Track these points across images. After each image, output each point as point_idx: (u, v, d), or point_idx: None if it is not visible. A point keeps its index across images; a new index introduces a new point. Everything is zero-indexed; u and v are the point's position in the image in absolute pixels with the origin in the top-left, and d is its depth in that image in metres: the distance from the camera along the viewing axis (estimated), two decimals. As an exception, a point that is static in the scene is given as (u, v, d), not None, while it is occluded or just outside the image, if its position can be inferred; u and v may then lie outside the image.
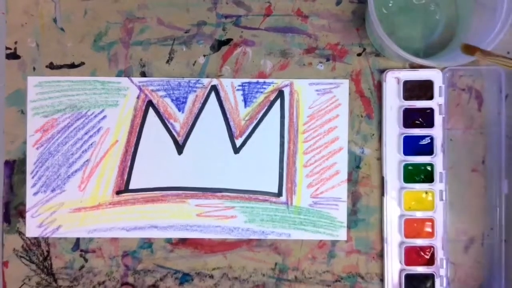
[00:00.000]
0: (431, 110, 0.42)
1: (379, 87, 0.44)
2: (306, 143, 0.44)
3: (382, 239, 0.43)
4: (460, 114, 0.43)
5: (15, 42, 0.44)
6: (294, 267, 0.43)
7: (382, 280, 0.43)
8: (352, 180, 0.44)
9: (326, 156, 0.43)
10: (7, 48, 0.44)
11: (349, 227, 0.43)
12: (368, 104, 0.44)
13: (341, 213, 0.43)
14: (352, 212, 0.43)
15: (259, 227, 0.43)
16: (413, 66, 0.43)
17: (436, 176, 0.42)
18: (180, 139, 0.44)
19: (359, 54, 0.44)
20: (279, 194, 0.43)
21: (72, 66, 0.44)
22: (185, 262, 0.44)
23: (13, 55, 0.44)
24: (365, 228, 0.43)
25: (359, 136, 0.44)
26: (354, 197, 0.43)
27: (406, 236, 0.42)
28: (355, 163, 0.44)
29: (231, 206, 0.44)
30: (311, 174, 0.43)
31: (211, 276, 0.44)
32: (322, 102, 0.44)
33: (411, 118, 0.42)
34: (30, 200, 0.43)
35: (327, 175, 0.43)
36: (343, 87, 0.44)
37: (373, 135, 0.44)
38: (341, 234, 0.43)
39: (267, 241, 0.44)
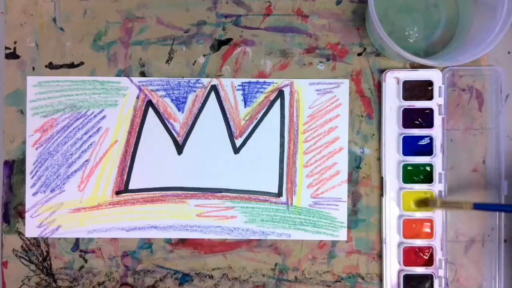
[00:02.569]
0: (431, 110, 0.42)
1: (379, 87, 0.43)
2: (306, 143, 0.43)
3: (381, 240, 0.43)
4: (460, 114, 0.43)
5: (15, 42, 0.44)
6: (294, 267, 0.43)
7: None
8: (353, 180, 0.43)
9: (326, 156, 0.43)
10: (6, 48, 0.44)
11: (349, 228, 0.43)
12: (368, 104, 0.44)
13: (341, 213, 0.43)
14: (353, 212, 0.43)
15: (259, 227, 0.43)
16: (414, 66, 0.43)
17: (435, 177, 0.42)
18: (180, 139, 0.44)
19: (359, 54, 0.44)
20: (279, 194, 0.43)
21: (72, 66, 0.44)
22: (185, 262, 0.44)
23: (12, 55, 0.44)
24: (366, 229, 0.43)
25: (359, 136, 0.44)
26: (354, 197, 0.43)
27: (405, 237, 0.42)
28: (355, 163, 0.43)
29: (231, 206, 0.43)
30: (311, 174, 0.43)
31: (211, 277, 0.44)
32: (322, 102, 0.43)
33: (410, 118, 0.42)
34: (30, 200, 0.43)
35: (327, 175, 0.43)
36: (343, 87, 0.43)
37: (373, 135, 0.44)
38: (342, 235, 0.43)
39: (267, 242, 0.43)
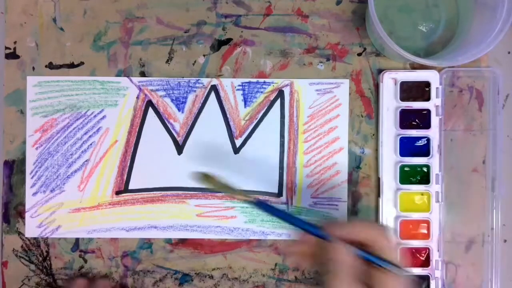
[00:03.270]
0: (428, 111, 0.42)
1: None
2: (306, 143, 0.43)
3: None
4: (460, 114, 0.43)
5: (15, 42, 0.44)
6: (294, 267, 0.43)
7: (382, 280, 0.43)
8: (352, 180, 0.43)
9: (326, 156, 0.43)
10: (6, 48, 0.44)
11: (349, 227, 0.43)
12: (368, 104, 0.44)
13: (341, 213, 0.43)
14: (353, 213, 0.43)
15: (259, 227, 0.43)
16: (414, 66, 0.43)
17: (432, 178, 0.42)
18: (180, 139, 0.44)
19: (359, 54, 0.44)
20: (279, 194, 0.43)
21: (72, 66, 0.44)
22: (185, 262, 0.44)
23: (12, 55, 0.44)
24: (365, 229, 0.43)
25: (359, 136, 0.44)
26: (354, 198, 0.43)
27: (402, 238, 0.42)
28: (355, 163, 0.43)
29: (231, 206, 0.43)
30: (311, 174, 0.43)
31: (211, 277, 0.44)
32: (322, 102, 0.43)
33: (407, 119, 0.42)
34: (30, 200, 0.43)
35: (327, 175, 0.43)
36: (343, 87, 0.43)
37: (373, 135, 0.44)
38: (341, 235, 0.43)
39: (267, 242, 0.43)
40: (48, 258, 0.44)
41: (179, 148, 0.44)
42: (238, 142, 0.44)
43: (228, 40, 0.44)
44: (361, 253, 0.31)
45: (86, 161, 0.43)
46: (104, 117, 0.44)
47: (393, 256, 0.32)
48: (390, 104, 0.43)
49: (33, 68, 0.44)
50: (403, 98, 0.42)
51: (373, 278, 0.31)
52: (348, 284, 0.30)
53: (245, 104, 0.44)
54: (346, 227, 0.33)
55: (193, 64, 0.44)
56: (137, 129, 0.44)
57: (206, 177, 0.36)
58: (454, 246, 0.43)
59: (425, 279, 0.42)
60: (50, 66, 0.44)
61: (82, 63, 0.44)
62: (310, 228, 0.33)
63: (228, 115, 0.44)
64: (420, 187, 0.42)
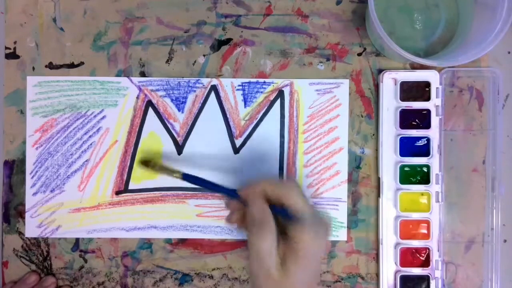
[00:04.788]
0: (428, 111, 0.42)
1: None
2: (306, 143, 0.43)
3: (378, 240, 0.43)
4: (460, 114, 0.43)
5: (15, 42, 0.44)
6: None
7: (382, 280, 0.43)
8: (352, 180, 0.43)
9: (326, 156, 0.43)
10: (6, 48, 0.44)
11: (349, 228, 0.43)
12: (368, 104, 0.44)
13: (341, 213, 0.43)
14: (352, 213, 0.43)
15: (259, 227, 0.43)
16: (414, 66, 0.43)
17: (432, 178, 0.42)
18: (180, 139, 0.44)
19: (359, 54, 0.44)
20: (279, 194, 0.43)
21: (72, 66, 0.44)
22: (184, 262, 0.44)
23: (12, 55, 0.44)
24: (365, 229, 0.43)
25: (359, 136, 0.44)
26: (354, 198, 0.43)
27: (402, 238, 0.42)
28: (355, 163, 0.43)
29: (231, 206, 0.43)
30: (311, 175, 0.43)
31: (211, 277, 0.44)
32: (322, 102, 0.43)
33: (407, 119, 0.42)
34: (30, 200, 0.43)
35: (327, 175, 0.43)
36: (343, 87, 0.43)
37: (373, 135, 0.44)
38: (341, 235, 0.43)
39: (267, 241, 0.43)
40: (48, 258, 0.44)
41: (179, 148, 0.44)
42: (238, 142, 0.44)
43: (228, 40, 0.44)
44: (272, 208, 0.34)
45: (86, 161, 0.44)
46: (104, 117, 0.44)
47: (303, 207, 0.33)
48: (390, 104, 0.43)
49: (33, 68, 0.44)
50: (403, 98, 0.42)
51: (288, 230, 0.33)
52: (264, 232, 0.32)
53: (245, 104, 0.44)
54: (255, 187, 0.34)
55: (193, 64, 0.44)
56: (137, 129, 0.44)
57: (144, 162, 0.42)
58: (454, 246, 0.43)
59: (425, 279, 0.42)
60: (50, 66, 0.44)
61: (82, 63, 0.44)
62: (229, 192, 0.36)
63: (228, 115, 0.44)
64: (420, 187, 0.42)
